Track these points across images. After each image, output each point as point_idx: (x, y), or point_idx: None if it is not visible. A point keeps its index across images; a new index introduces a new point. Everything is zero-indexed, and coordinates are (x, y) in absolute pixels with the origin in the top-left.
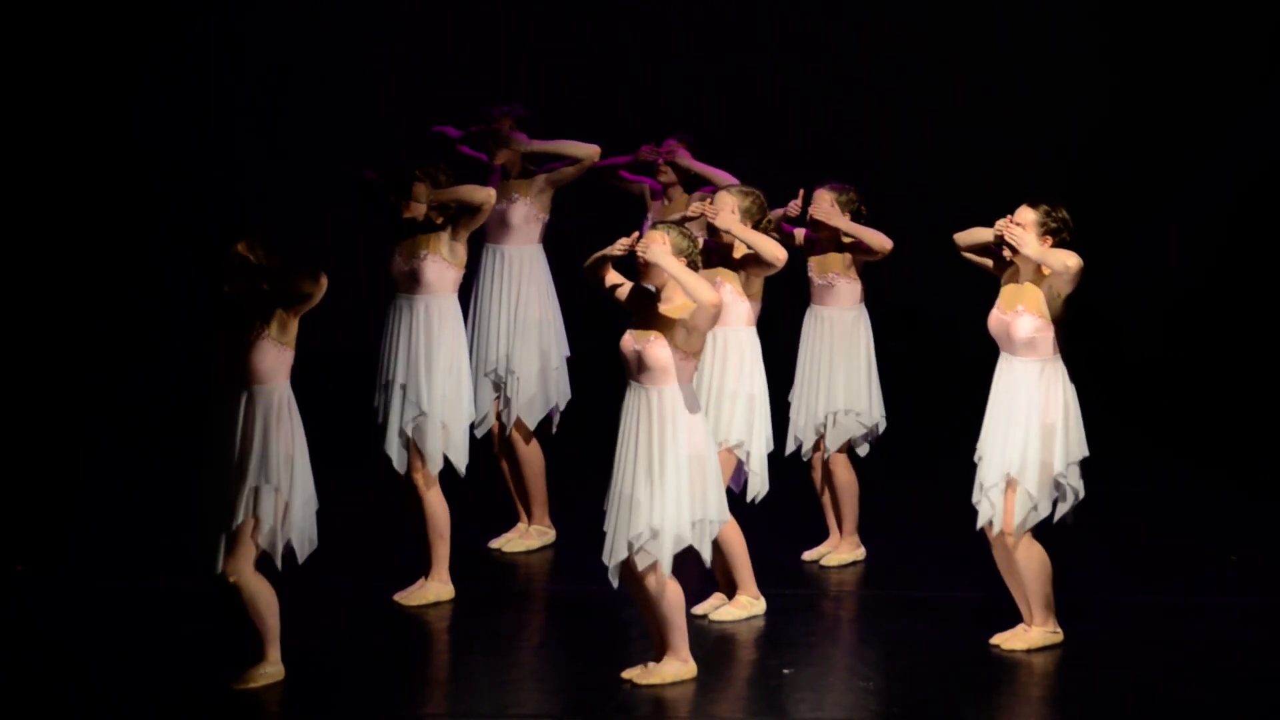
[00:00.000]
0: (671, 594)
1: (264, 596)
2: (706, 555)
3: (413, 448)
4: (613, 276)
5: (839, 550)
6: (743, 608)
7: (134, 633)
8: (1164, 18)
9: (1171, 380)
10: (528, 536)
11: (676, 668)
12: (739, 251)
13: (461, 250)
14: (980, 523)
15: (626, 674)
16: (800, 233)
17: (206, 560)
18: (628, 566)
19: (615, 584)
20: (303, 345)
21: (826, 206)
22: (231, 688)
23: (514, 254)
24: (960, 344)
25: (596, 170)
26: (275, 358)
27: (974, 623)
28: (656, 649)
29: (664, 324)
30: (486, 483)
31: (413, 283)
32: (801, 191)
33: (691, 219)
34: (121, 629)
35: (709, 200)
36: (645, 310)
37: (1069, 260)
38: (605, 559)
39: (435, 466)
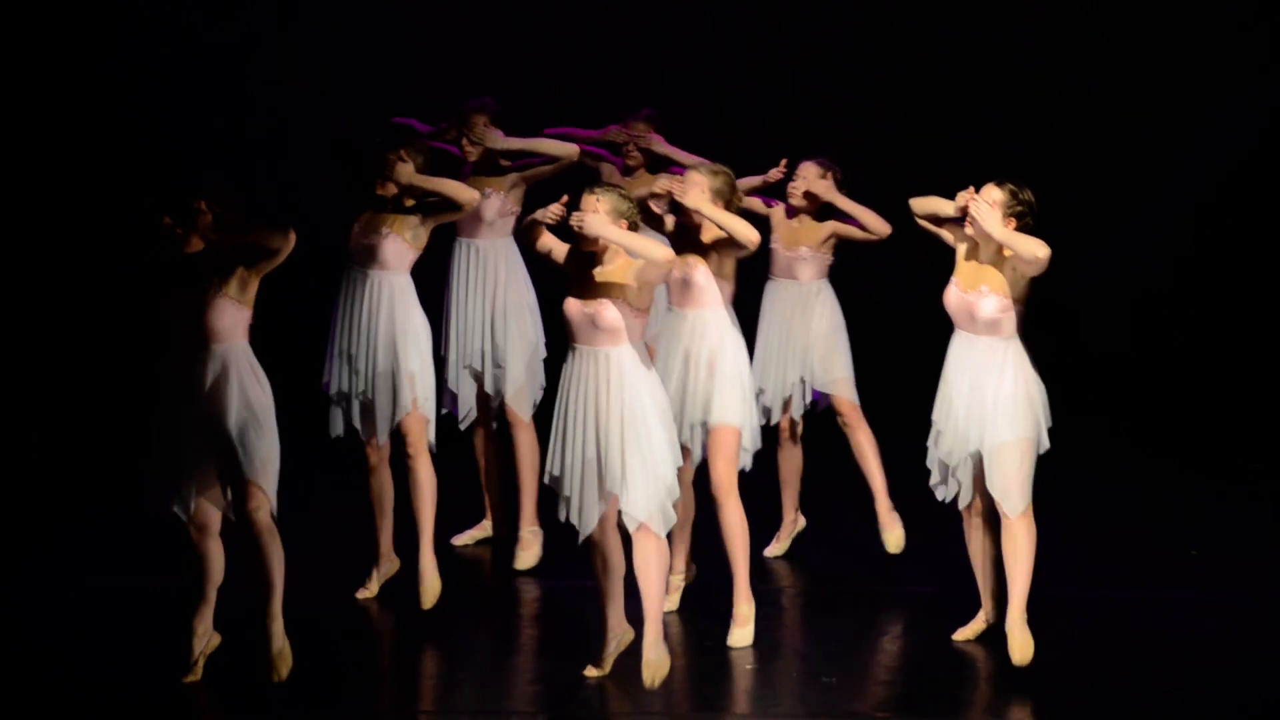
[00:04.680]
0: (665, 554)
1: (277, 548)
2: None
3: (405, 424)
4: (546, 240)
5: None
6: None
7: (117, 633)
8: (1137, 16)
9: (1139, 376)
10: (483, 529)
11: (662, 652)
12: (709, 233)
13: (424, 235)
14: (948, 498)
15: (590, 672)
16: (779, 208)
17: (181, 507)
18: (601, 534)
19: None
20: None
21: (817, 179)
22: (270, 681)
23: (488, 248)
24: (910, 334)
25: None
26: (233, 315)
27: (939, 617)
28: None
29: (611, 286)
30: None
31: (369, 258)
32: (784, 161)
33: (659, 196)
34: (107, 629)
35: (678, 179)
36: (587, 273)
37: (1039, 252)
38: (574, 521)
39: (384, 435)
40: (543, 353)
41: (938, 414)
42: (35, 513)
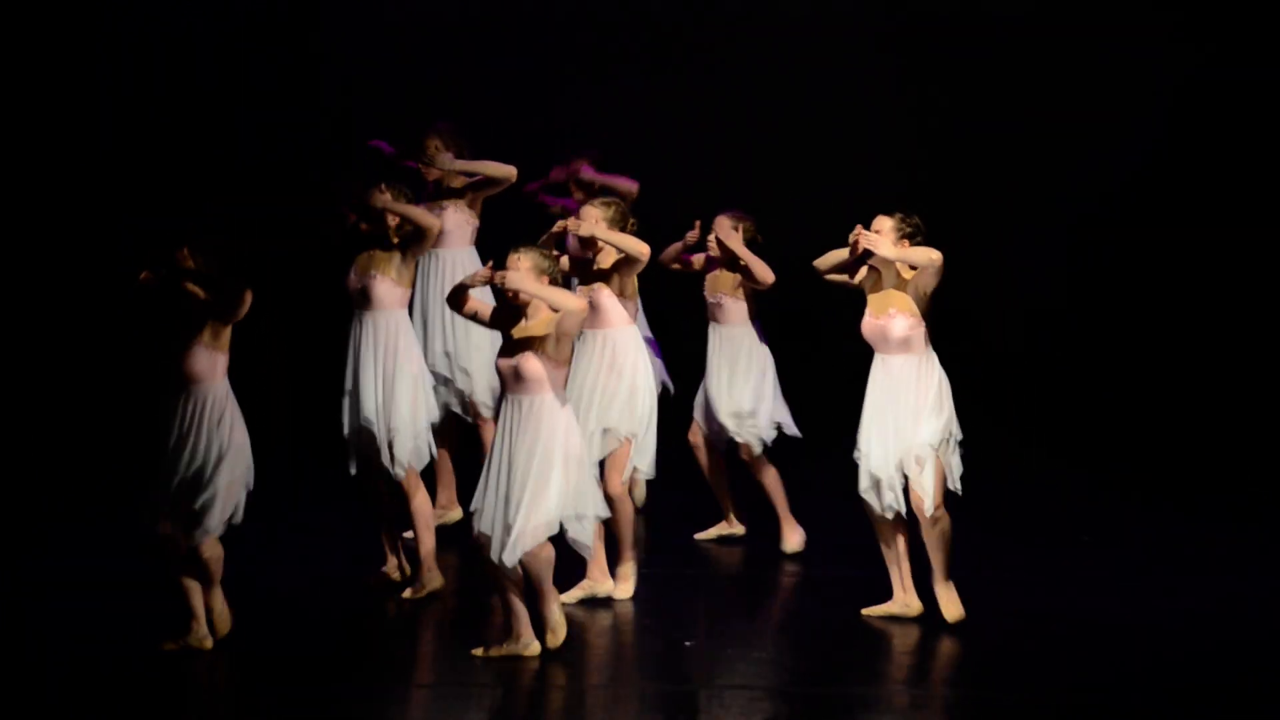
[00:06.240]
0: (546, 557)
1: (215, 564)
2: (590, 551)
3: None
4: (473, 303)
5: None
6: (584, 590)
7: (116, 632)
8: (1032, 40)
9: (1034, 378)
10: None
11: (526, 644)
12: (608, 259)
13: (408, 271)
14: (884, 509)
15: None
16: (699, 258)
17: (149, 524)
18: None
19: (510, 565)
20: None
21: (727, 228)
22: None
23: (448, 257)
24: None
25: (522, 193)
26: (206, 361)
27: (852, 598)
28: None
29: (533, 341)
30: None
31: (364, 299)
32: (698, 222)
33: (558, 234)
34: (107, 628)
35: (574, 217)
36: (512, 329)
37: (932, 254)
38: (496, 555)
39: (400, 470)
40: None
41: (864, 432)
42: (35, 513)
